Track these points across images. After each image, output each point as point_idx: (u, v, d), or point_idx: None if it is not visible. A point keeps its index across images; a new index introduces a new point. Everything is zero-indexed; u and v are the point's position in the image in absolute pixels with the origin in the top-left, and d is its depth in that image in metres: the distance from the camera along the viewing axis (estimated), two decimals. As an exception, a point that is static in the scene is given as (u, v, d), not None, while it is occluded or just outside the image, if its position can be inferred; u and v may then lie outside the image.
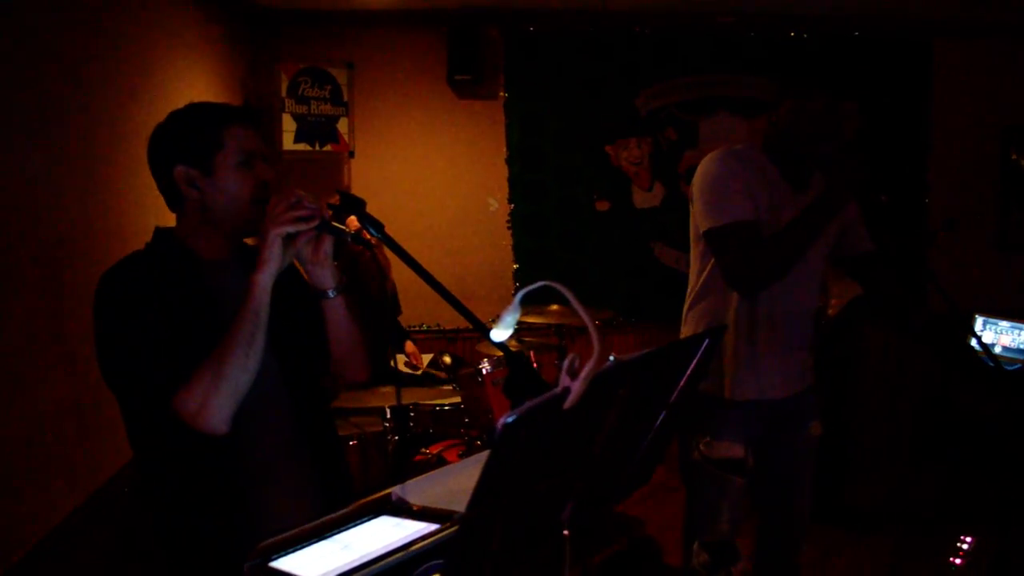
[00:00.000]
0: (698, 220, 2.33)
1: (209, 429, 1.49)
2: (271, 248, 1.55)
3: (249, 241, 1.74)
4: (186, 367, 1.49)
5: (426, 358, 4.65)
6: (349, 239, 1.63)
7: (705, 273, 2.41)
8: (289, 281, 1.69)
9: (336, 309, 1.74)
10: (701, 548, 2.49)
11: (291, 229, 1.56)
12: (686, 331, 2.50)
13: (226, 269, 1.67)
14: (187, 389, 1.47)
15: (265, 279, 1.55)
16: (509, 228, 5.29)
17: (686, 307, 2.51)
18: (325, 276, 1.70)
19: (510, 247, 5.30)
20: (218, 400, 1.48)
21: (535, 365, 4.07)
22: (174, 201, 1.66)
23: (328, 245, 1.68)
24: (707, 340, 1.34)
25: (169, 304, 1.54)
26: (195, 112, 1.66)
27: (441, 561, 1.10)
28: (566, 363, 0.89)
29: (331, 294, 1.72)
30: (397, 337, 4.61)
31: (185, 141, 1.61)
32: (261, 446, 1.62)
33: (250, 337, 1.52)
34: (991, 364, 2.28)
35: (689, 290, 2.50)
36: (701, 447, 2.39)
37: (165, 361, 1.49)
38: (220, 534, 1.59)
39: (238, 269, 1.68)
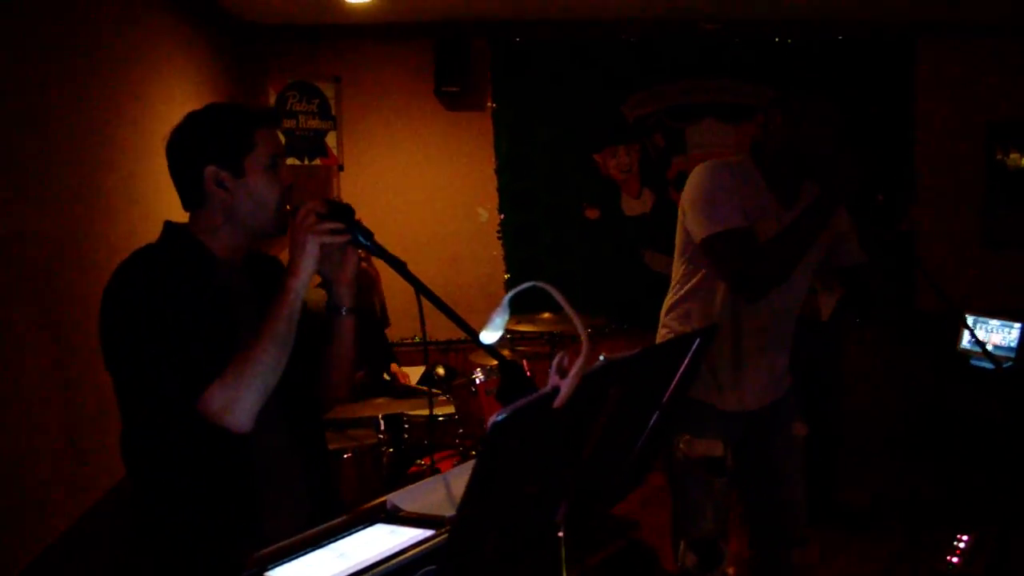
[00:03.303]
0: (692, 230, 2.34)
1: (234, 427, 1.49)
2: (308, 256, 1.57)
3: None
4: (208, 365, 1.49)
5: (417, 371, 4.63)
6: (387, 255, 1.60)
7: (692, 281, 2.43)
8: None
9: (346, 327, 1.76)
10: (688, 548, 2.49)
11: (327, 239, 1.58)
12: (664, 334, 2.51)
13: (238, 271, 1.69)
14: (215, 387, 1.48)
15: (300, 284, 1.57)
16: (500, 238, 5.30)
17: (664, 311, 2.52)
18: (345, 293, 1.72)
19: (501, 257, 5.31)
20: (247, 397, 1.49)
21: (528, 374, 4.07)
22: (194, 199, 1.65)
23: (354, 263, 1.70)
24: (698, 340, 1.34)
25: (184, 301, 1.54)
26: (226, 113, 1.67)
27: (436, 567, 1.10)
28: (555, 362, 0.90)
29: (344, 312, 1.74)
30: (385, 355, 4.58)
31: (217, 142, 1.61)
32: (260, 456, 1.61)
33: (284, 338, 1.54)
34: (989, 363, 2.29)
35: (670, 296, 2.52)
36: (681, 445, 2.40)
37: (189, 359, 1.49)
38: (218, 541, 1.58)
39: (249, 274, 1.71)
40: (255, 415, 1.51)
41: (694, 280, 2.42)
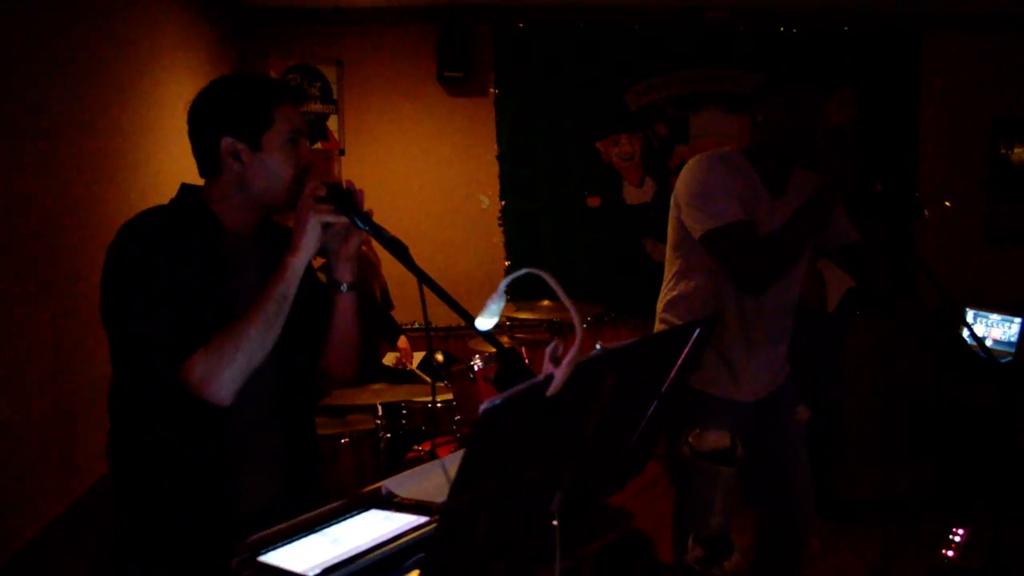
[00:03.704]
0: (691, 226, 2.32)
1: (213, 399, 1.48)
2: (310, 234, 1.56)
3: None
4: (198, 333, 1.49)
5: (417, 356, 4.63)
6: (386, 237, 1.57)
7: (689, 276, 2.42)
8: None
9: (346, 304, 1.75)
10: (696, 543, 2.49)
11: (331, 218, 1.57)
12: (661, 329, 2.50)
13: (247, 242, 1.68)
14: (199, 356, 1.47)
15: (299, 263, 1.56)
16: (501, 225, 5.28)
17: (662, 306, 2.51)
18: (346, 270, 1.71)
19: (502, 244, 5.30)
20: (228, 372, 1.48)
21: (527, 361, 4.07)
22: (210, 167, 1.63)
23: (357, 240, 1.68)
24: (698, 330, 1.33)
25: (186, 266, 1.53)
26: (248, 86, 1.65)
27: (424, 554, 1.09)
28: (549, 349, 0.89)
29: (344, 288, 1.73)
30: (391, 332, 4.59)
31: (236, 114, 1.60)
32: (241, 426, 1.60)
33: (273, 317, 1.53)
34: (984, 356, 2.29)
35: (665, 291, 2.50)
36: (690, 439, 2.39)
37: (180, 322, 1.49)
38: (188, 508, 1.58)
39: (258, 245, 1.69)
40: (236, 390, 1.50)
41: (692, 276, 2.40)
